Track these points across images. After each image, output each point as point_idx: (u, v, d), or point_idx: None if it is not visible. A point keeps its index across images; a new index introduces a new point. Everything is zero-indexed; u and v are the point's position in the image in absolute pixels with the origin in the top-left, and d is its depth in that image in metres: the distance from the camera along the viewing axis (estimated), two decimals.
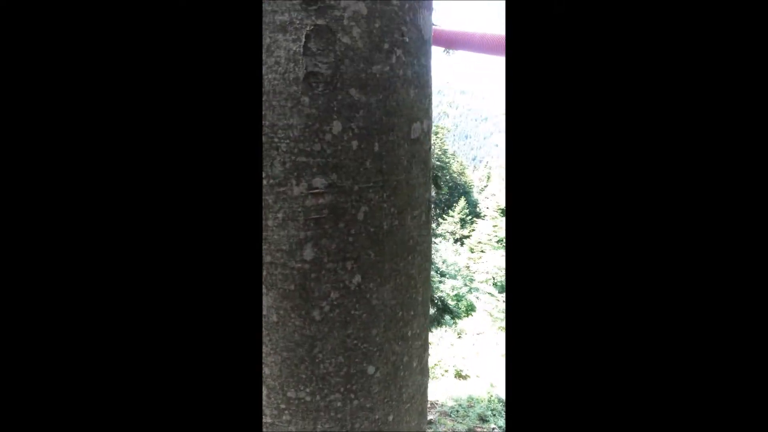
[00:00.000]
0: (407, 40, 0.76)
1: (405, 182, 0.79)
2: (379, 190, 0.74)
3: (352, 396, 0.79)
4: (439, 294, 13.34)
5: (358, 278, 0.75)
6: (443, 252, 16.79)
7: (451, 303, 13.37)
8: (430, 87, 0.88)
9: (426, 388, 1.00)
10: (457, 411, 6.97)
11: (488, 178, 26.96)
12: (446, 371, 9.01)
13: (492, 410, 7.14)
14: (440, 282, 14.05)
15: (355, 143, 0.71)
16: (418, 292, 0.87)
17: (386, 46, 0.72)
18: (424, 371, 0.96)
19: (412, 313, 0.86)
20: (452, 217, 28.82)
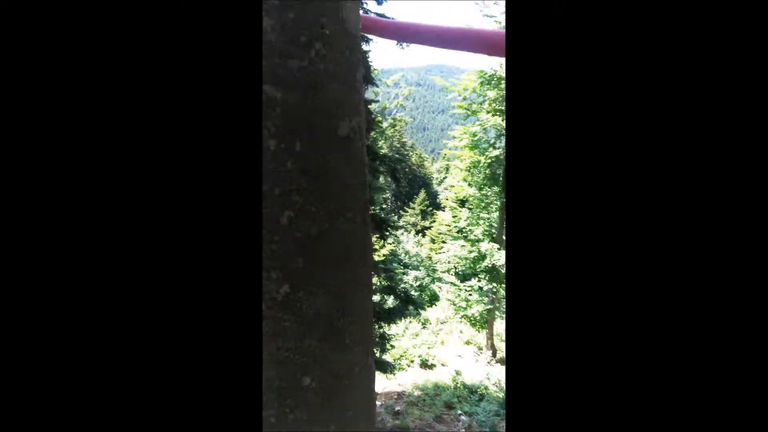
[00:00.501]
0: (328, 32, 0.71)
1: (335, 183, 0.75)
2: (304, 193, 0.70)
3: (288, 410, 0.75)
4: (403, 285, 13.47)
5: (285, 288, 0.70)
6: (406, 243, 16.94)
7: (415, 294, 13.54)
8: (360, 82, 0.84)
9: (372, 391, 0.97)
10: (424, 400, 7.08)
11: (447, 169, 27.40)
12: (412, 362, 9.12)
13: (458, 397, 7.31)
14: (404, 273, 14.16)
15: (272, 143, 0.66)
16: (357, 298, 0.84)
17: (303, 39, 0.68)
18: (368, 375, 0.93)
19: (350, 319, 0.82)
20: (413, 208, 29.12)
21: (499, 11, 8.14)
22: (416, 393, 7.41)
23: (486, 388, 7.82)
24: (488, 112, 8.60)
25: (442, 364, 9.15)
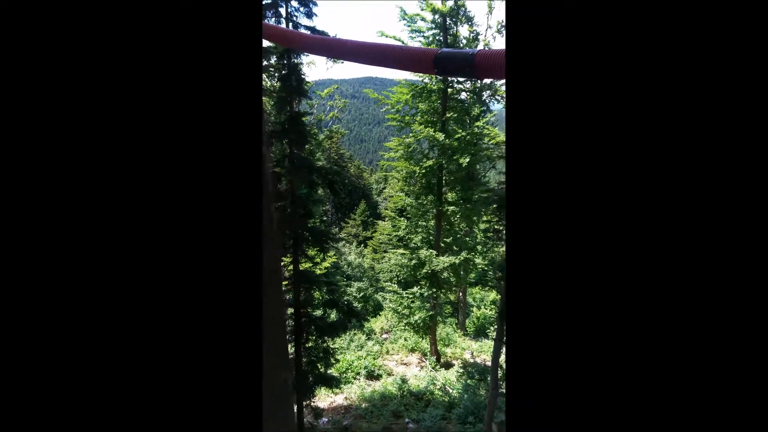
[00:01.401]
0: None
1: None
2: None
3: None
4: (346, 298, 13.36)
5: None
6: (348, 255, 16.88)
7: (358, 305, 13.48)
8: None
9: (289, 407, 0.96)
10: (372, 412, 7.05)
11: (385, 180, 27.80)
12: (358, 374, 9.05)
13: (405, 405, 7.36)
14: (347, 285, 14.07)
15: None
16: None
17: None
18: (284, 391, 0.92)
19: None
20: (354, 219, 29.14)
21: (425, 26, 8.51)
22: (363, 405, 7.35)
23: (432, 393, 7.95)
24: (421, 124, 8.90)
25: (388, 374, 9.17)
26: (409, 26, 8.62)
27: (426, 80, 8.67)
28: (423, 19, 8.49)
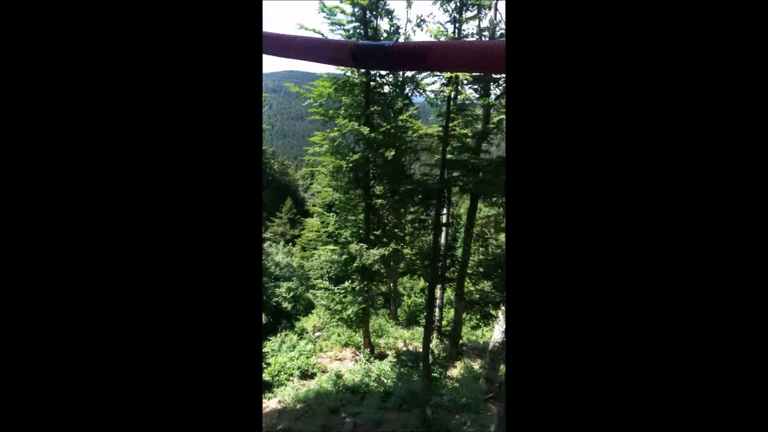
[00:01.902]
0: None
1: None
2: None
3: None
4: (275, 299, 12.94)
5: None
6: (275, 255, 16.32)
7: (289, 305, 13.14)
8: None
9: None
10: (307, 412, 6.93)
11: (312, 176, 27.32)
12: (291, 375, 8.85)
13: (341, 400, 7.34)
14: (275, 287, 13.62)
15: None
16: None
17: None
18: None
19: None
20: (281, 218, 28.29)
21: (346, 19, 8.43)
22: (299, 406, 7.20)
23: (367, 385, 8.02)
24: (345, 118, 8.84)
25: (323, 371, 9.08)
26: (329, 19, 8.48)
27: (348, 74, 8.61)
28: (343, 12, 8.40)
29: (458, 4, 7.78)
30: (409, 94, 9.33)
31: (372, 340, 10.16)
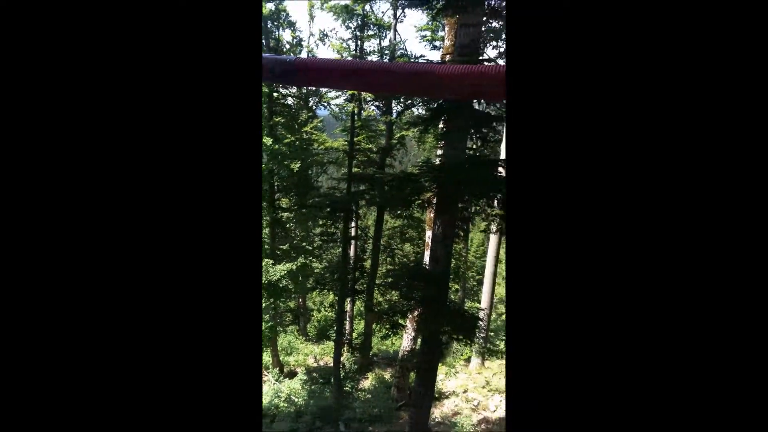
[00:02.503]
0: None
1: None
2: None
3: None
4: None
5: None
6: None
7: None
8: None
9: None
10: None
11: None
12: None
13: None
14: None
15: None
16: None
17: None
18: None
19: None
20: None
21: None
22: None
23: (277, 406, 7.66)
24: None
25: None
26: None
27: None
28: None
29: (359, 22, 8.02)
30: (314, 107, 9.31)
31: (281, 358, 9.76)
